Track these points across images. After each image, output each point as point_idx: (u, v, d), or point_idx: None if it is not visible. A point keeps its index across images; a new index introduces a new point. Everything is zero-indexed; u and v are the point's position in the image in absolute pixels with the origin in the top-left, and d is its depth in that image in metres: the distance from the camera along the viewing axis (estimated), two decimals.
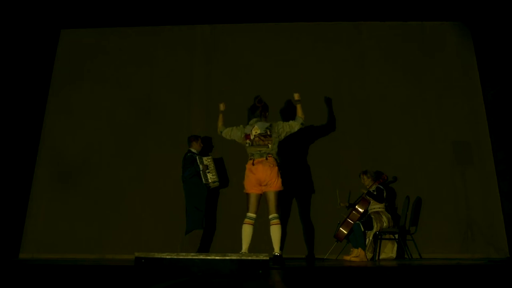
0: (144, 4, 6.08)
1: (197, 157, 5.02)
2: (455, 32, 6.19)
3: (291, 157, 5.64)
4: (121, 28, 6.47)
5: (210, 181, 5.01)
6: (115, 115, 6.09)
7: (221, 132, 4.40)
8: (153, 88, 6.21)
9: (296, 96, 4.39)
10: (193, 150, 5.14)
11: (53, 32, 6.45)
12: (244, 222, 4.05)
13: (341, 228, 4.91)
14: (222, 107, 4.54)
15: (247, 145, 4.19)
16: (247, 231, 4.01)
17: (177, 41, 6.40)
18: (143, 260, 2.45)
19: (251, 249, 4.00)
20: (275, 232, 3.97)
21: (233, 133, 4.31)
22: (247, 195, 4.11)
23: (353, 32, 6.29)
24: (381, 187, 4.95)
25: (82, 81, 6.27)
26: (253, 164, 4.08)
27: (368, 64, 6.14)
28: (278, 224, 3.98)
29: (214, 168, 5.12)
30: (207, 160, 5.09)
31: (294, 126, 4.27)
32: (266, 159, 4.07)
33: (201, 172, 4.96)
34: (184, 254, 2.49)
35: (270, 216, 4.03)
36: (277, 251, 3.94)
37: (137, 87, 6.21)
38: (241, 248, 4.01)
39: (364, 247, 4.77)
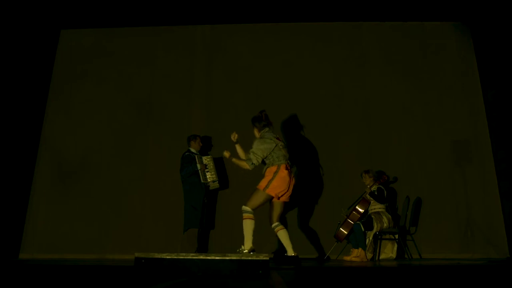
0: (144, 4, 6.08)
1: (196, 156, 5.03)
2: (455, 32, 6.19)
3: (291, 158, 5.63)
4: (121, 28, 6.46)
5: (209, 180, 5.02)
6: (115, 115, 6.09)
7: (252, 163, 3.95)
8: (153, 88, 6.21)
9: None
10: (192, 150, 5.16)
11: (53, 32, 6.44)
12: (250, 217, 3.86)
13: (341, 229, 4.91)
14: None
15: (281, 147, 4.03)
16: (253, 227, 3.87)
17: (177, 41, 6.40)
18: (143, 260, 2.45)
19: (256, 249, 3.92)
20: (287, 234, 3.95)
21: (261, 150, 3.94)
22: (267, 196, 3.89)
23: (353, 32, 6.29)
24: (382, 187, 4.95)
25: (82, 81, 6.26)
26: (290, 174, 3.99)
27: (368, 64, 6.14)
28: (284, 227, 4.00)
29: (213, 167, 5.12)
30: (206, 159, 5.10)
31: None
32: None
33: (199, 171, 4.97)
34: (184, 254, 2.49)
35: (276, 223, 3.98)
36: (293, 252, 3.92)
37: (138, 87, 6.20)
38: (240, 246, 3.88)
39: (364, 247, 4.77)
